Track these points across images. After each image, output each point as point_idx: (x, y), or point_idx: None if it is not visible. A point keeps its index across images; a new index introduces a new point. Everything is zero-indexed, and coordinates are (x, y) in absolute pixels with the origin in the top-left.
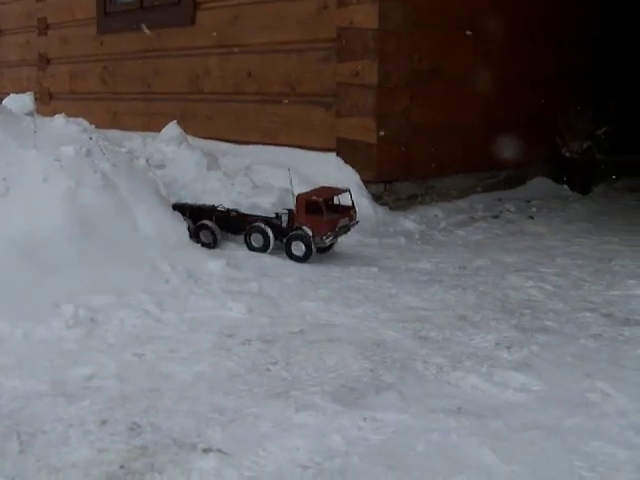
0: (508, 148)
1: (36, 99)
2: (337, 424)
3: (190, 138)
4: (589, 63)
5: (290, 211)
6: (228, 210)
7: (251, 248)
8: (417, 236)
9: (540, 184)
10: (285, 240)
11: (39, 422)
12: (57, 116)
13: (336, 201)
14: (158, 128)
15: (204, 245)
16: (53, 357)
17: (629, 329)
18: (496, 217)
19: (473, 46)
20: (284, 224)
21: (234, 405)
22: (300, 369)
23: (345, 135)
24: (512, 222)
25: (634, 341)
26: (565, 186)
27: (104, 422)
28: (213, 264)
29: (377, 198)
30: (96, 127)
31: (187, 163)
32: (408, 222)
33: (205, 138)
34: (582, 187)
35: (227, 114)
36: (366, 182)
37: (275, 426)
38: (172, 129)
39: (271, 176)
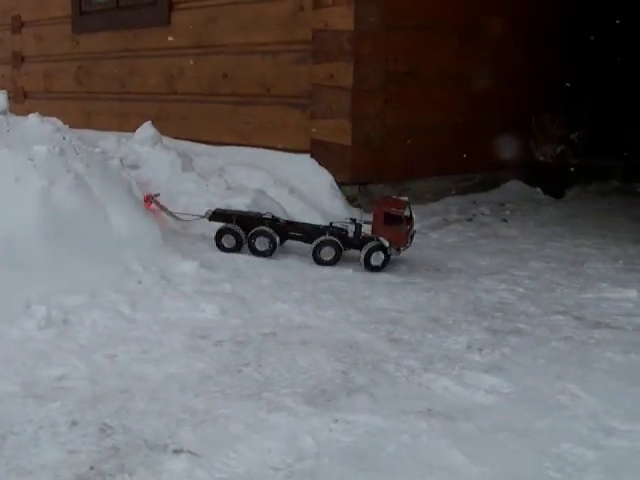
0: (483, 151)
1: (10, 98)
2: (308, 426)
3: (165, 139)
4: (563, 67)
5: (353, 220)
6: (274, 218)
7: (319, 261)
8: None
9: (514, 187)
10: (366, 250)
11: (9, 423)
12: (31, 115)
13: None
14: (133, 128)
15: (258, 253)
16: (24, 358)
17: (599, 332)
18: (470, 220)
19: (448, 49)
20: (350, 234)
21: (205, 406)
22: (272, 371)
23: (320, 137)
24: (486, 225)
25: (604, 344)
26: (539, 189)
27: (75, 423)
28: (186, 265)
29: (351, 200)
30: (70, 127)
31: (161, 164)
32: None
33: (180, 139)
34: (555, 191)
35: (202, 115)
36: (340, 184)
37: (246, 427)
38: (146, 129)
39: (245, 177)
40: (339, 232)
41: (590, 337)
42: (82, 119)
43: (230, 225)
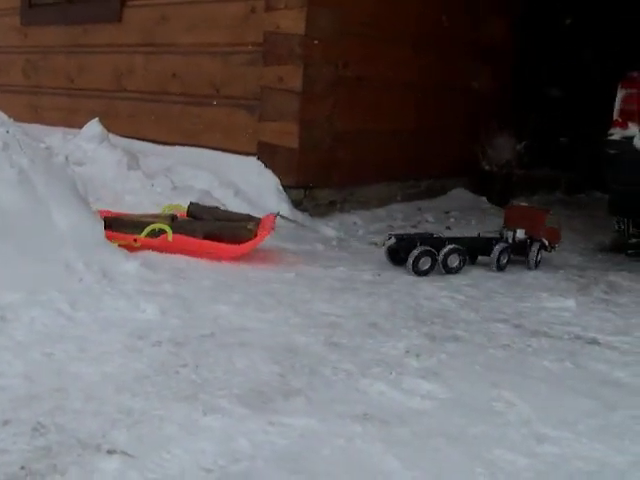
0: (430, 159)
1: None
2: (244, 428)
3: (112, 136)
4: (512, 79)
5: (503, 229)
6: (438, 236)
7: (501, 268)
8: (335, 243)
9: (459, 195)
10: (535, 251)
11: None
12: None
13: None
14: (80, 125)
15: (450, 270)
16: None
17: (537, 340)
18: (414, 227)
19: (399, 57)
20: (509, 240)
21: (141, 406)
22: (209, 372)
23: (267, 139)
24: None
25: (541, 352)
26: (484, 198)
27: (7, 422)
28: (128, 265)
29: (297, 204)
30: (16, 121)
31: (107, 162)
32: (327, 229)
33: (127, 137)
34: (500, 200)
35: (150, 113)
36: (286, 187)
37: (181, 429)
38: (93, 126)
39: (191, 178)
40: (502, 240)
41: (527, 345)
42: (29, 113)
43: (427, 248)
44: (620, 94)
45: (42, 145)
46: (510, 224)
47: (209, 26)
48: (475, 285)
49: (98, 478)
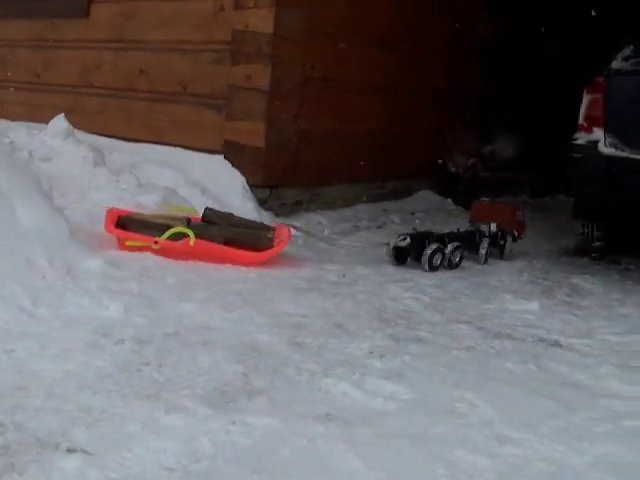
0: (396, 160)
1: None
2: (206, 427)
3: (78, 133)
4: (481, 83)
5: (479, 224)
6: (441, 235)
7: (487, 261)
8: (300, 242)
9: (425, 197)
10: (509, 243)
11: None
12: None
13: None
14: (45, 120)
15: (454, 266)
16: None
17: (500, 342)
18: (380, 227)
19: (366, 58)
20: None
21: (102, 405)
22: (172, 371)
23: (234, 138)
24: (395, 233)
25: (504, 354)
26: (449, 200)
27: None
28: (93, 262)
29: (262, 203)
30: None
31: (73, 158)
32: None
33: (94, 133)
34: (465, 202)
35: (117, 110)
36: (252, 186)
37: (143, 427)
38: (59, 122)
39: (156, 175)
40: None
41: (490, 347)
42: None
43: (438, 245)
44: (585, 99)
45: (6, 140)
46: (478, 219)
47: (177, 23)
48: (440, 286)
49: (57, 477)
